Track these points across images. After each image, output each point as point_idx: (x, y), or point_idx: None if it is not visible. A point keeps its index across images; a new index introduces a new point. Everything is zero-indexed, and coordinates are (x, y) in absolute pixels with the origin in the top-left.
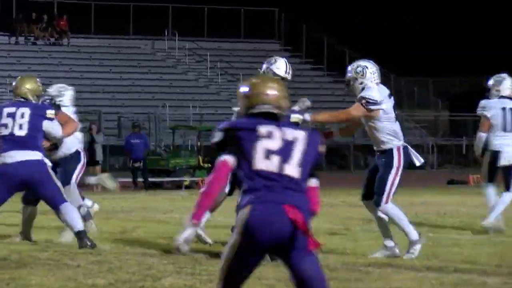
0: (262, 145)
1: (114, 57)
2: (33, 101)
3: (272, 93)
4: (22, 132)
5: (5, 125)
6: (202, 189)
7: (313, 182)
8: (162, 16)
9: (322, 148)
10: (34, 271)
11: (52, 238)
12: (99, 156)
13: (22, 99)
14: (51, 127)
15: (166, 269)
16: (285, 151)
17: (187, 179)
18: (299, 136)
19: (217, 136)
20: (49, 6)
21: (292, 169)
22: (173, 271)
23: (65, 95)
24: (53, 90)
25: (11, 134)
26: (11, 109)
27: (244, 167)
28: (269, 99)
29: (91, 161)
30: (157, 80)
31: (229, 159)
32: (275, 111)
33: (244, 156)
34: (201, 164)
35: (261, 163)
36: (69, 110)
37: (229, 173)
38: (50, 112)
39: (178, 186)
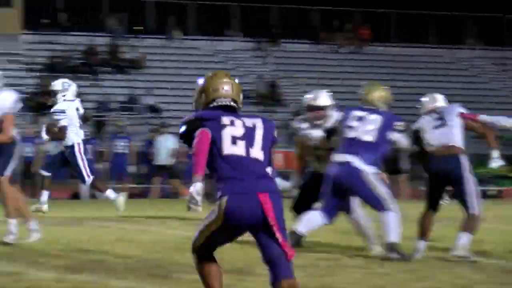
0: (227, 132)
1: (415, 65)
2: (383, 109)
3: (228, 88)
4: (369, 138)
5: (353, 128)
6: (193, 153)
7: (269, 170)
8: (462, 24)
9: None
10: (342, 278)
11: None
12: (404, 164)
13: (372, 107)
14: (398, 139)
15: (476, 278)
16: (249, 136)
17: (491, 188)
18: (257, 123)
19: (182, 128)
20: (351, 14)
21: (257, 152)
22: (485, 281)
23: (69, 89)
24: (57, 84)
25: (357, 138)
26: (361, 113)
27: (214, 153)
28: (226, 94)
29: (395, 169)
30: (461, 89)
31: (207, 130)
32: (232, 103)
33: (213, 143)
34: (509, 173)
35: (229, 148)
36: (74, 104)
37: (209, 139)
38: (398, 124)
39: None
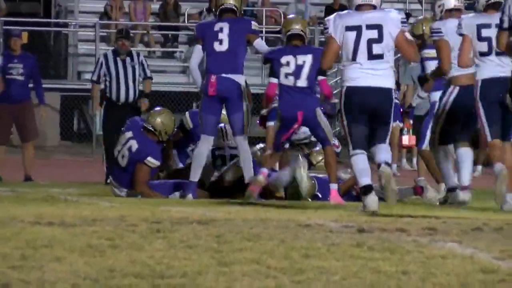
0: (282, 71)
1: None
2: None
3: (298, 26)
4: None
5: None
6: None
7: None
8: None
9: None
10: None
11: None
12: None
13: None
14: None
15: None
16: (297, 72)
17: None
18: (307, 59)
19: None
20: None
21: (303, 82)
22: None
23: None
24: None
25: None
26: None
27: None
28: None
29: None
30: None
31: (274, 80)
32: (301, 33)
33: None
34: None
35: (283, 80)
36: None
37: (276, 89)
38: None
39: None
